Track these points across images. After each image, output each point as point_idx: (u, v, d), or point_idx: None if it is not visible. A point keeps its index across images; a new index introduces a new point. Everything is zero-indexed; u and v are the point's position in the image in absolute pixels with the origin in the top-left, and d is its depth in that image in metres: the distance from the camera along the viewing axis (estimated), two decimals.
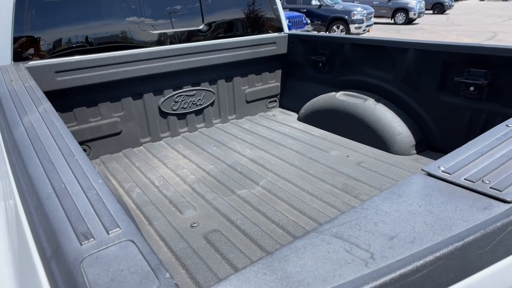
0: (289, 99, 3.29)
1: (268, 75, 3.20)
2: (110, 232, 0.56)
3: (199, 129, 2.87)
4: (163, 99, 2.62)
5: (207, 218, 1.74)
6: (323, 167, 2.17)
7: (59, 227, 0.57)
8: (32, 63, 1.98)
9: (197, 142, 2.62)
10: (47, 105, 1.17)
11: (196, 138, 2.70)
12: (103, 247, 0.53)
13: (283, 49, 3.13)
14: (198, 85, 2.78)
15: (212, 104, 2.90)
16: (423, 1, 19.44)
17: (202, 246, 1.55)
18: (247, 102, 3.12)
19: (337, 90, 2.76)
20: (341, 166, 2.16)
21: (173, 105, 2.68)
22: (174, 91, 2.66)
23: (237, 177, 2.10)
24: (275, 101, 3.34)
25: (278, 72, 3.26)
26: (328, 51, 2.86)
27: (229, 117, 3.05)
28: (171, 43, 2.55)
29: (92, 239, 0.55)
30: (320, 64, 2.93)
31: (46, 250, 0.55)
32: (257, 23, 3.00)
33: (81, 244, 0.54)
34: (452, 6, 25.72)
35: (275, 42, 3.06)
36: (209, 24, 2.72)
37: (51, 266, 0.53)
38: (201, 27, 2.68)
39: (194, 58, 2.62)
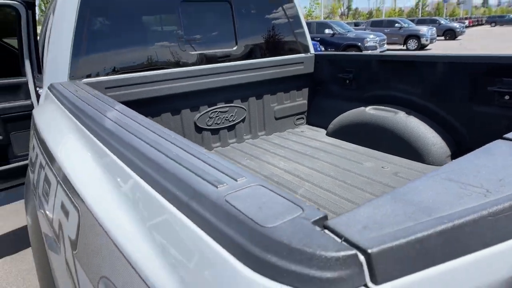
0: (316, 116, 3.36)
1: (295, 93, 3.31)
2: (238, 179, 0.60)
3: (231, 144, 2.95)
4: (198, 115, 2.73)
5: None
6: (360, 177, 2.19)
7: (189, 178, 0.60)
8: (85, 80, 2.13)
9: (230, 156, 2.69)
10: (120, 105, 1.27)
11: (229, 153, 2.77)
12: (238, 189, 0.57)
13: (309, 68, 3.25)
14: (231, 102, 2.90)
15: (243, 120, 2.99)
16: (434, 28, 19.78)
17: None
18: (276, 119, 3.21)
19: (365, 106, 2.82)
20: (377, 176, 2.18)
21: (208, 120, 2.79)
22: (209, 107, 2.78)
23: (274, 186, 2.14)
24: (303, 118, 3.42)
25: (305, 90, 3.36)
26: (355, 68, 2.95)
27: (259, 133, 3.14)
28: (208, 63, 2.69)
29: (225, 183, 0.58)
30: (347, 81, 3.02)
31: (181, 197, 0.58)
32: (284, 44, 3.15)
33: (217, 188, 0.57)
34: (464, 32, 25.96)
35: (302, 62, 3.19)
36: (242, 46, 2.88)
37: (191, 206, 0.56)
38: (234, 48, 2.84)
39: (227, 77, 2.75)
